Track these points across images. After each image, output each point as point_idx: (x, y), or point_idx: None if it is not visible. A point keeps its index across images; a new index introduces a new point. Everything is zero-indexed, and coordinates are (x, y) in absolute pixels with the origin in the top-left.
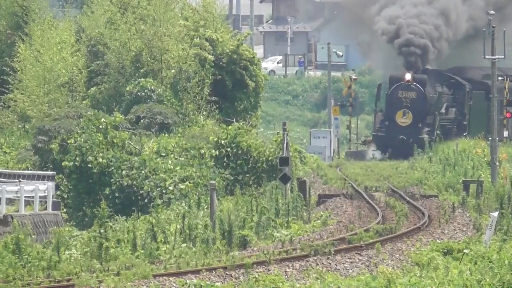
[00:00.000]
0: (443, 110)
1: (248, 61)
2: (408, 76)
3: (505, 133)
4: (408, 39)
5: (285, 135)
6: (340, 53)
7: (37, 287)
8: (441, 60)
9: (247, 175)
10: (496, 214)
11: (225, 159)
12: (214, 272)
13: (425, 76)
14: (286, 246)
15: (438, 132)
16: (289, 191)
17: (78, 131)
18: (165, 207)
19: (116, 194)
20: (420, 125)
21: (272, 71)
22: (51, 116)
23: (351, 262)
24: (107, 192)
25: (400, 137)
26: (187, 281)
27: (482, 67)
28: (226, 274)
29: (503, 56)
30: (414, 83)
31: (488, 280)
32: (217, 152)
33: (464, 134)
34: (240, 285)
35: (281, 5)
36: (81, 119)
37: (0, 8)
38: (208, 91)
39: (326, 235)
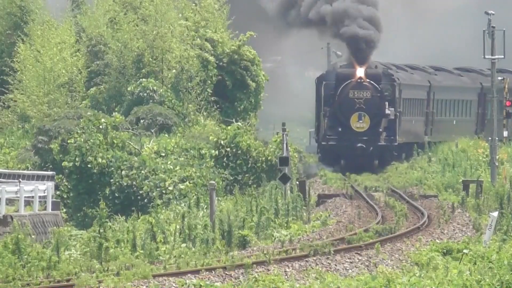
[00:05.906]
0: (388, 111)
1: (249, 62)
2: (360, 72)
3: (505, 133)
4: (356, 30)
5: (284, 135)
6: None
7: (37, 287)
8: None
9: (247, 175)
10: (495, 214)
11: (225, 159)
12: (213, 272)
13: (380, 71)
14: (286, 246)
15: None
16: (288, 191)
17: (78, 131)
18: (164, 207)
19: (116, 194)
20: (381, 130)
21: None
22: (51, 116)
23: (350, 262)
24: (107, 192)
25: (359, 145)
26: (187, 281)
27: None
28: (226, 274)
29: (503, 56)
30: (368, 80)
31: (487, 280)
32: (216, 152)
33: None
34: (240, 285)
35: None
36: (81, 120)
37: None
38: (210, 92)
39: (326, 235)
